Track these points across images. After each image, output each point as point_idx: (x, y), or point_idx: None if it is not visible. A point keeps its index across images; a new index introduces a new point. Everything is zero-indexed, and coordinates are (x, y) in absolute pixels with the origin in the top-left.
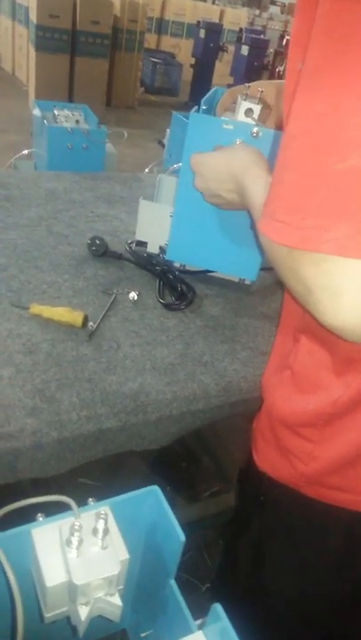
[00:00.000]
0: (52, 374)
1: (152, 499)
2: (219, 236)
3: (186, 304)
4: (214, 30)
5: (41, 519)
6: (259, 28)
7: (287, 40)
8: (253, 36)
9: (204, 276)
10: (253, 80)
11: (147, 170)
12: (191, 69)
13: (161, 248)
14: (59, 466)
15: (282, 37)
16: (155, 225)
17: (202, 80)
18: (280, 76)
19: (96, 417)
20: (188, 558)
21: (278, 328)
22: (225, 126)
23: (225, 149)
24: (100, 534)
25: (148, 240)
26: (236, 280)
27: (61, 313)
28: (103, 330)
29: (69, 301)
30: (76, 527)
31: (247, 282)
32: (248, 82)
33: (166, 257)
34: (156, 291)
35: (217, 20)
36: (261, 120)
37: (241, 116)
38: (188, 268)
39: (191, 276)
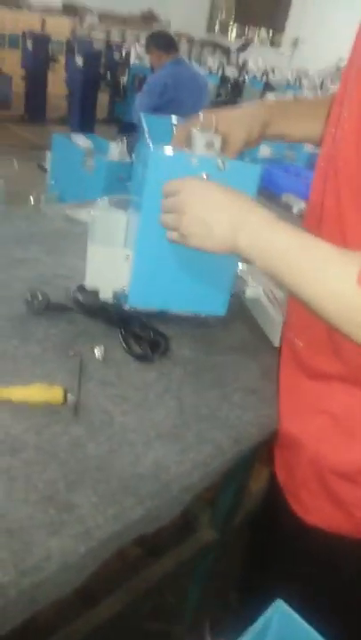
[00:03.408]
0: (54, 472)
1: (279, 615)
2: (184, 274)
3: (160, 352)
4: (42, 41)
5: None
6: (86, 39)
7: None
8: (87, 47)
9: (161, 315)
10: (92, 90)
11: (31, 197)
12: (22, 81)
13: (115, 293)
14: (77, 580)
15: (109, 47)
16: (107, 270)
17: (36, 91)
18: (124, 87)
19: (123, 512)
20: (149, 607)
21: (281, 368)
22: (189, 160)
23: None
24: None
25: (99, 287)
26: (191, 314)
27: (37, 392)
28: (85, 400)
29: (32, 373)
30: None
31: (202, 315)
32: (86, 92)
33: (128, 304)
34: (121, 342)
35: (39, 30)
36: (221, 151)
37: (200, 149)
38: (139, 309)
39: (148, 318)
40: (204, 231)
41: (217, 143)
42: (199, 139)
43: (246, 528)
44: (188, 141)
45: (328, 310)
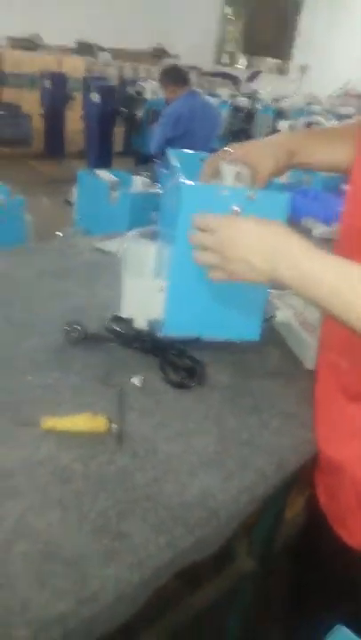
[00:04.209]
0: (104, 502)
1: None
2: (216, 301)
3: (197, 380)
4: (59, 80)
5: None
6: (101, 75)
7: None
8: (102, 83)
9: (196, 342)
10: (108, 125)
11: (60, 233)
12: (41, 119)
13: (150, 322)
14: (131, 610)
15: (123, 82)
16: (142, 300)
17: (55, 128)
18: (140, 120)
19: (173, 541)
20: None
21: (317, 391)
22: (220, 192)
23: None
24: None
25: (134, 316)
26: (224, 340)
27: (82, 421)
28: (127, 429)
29: (73, 403)
30: None
31: (236, 341)
32: (102, 127)
33: (163, 332)
34: (159, 371)
35: (56, 69)
36: (250, 182)
37: (229, 181)
38: (172, 336)
39: (183, 345)
40: (247, 268)
41: (245, 174)
42: (228, 171)
43: (285, 556)
44: (216, 174)
45: None
